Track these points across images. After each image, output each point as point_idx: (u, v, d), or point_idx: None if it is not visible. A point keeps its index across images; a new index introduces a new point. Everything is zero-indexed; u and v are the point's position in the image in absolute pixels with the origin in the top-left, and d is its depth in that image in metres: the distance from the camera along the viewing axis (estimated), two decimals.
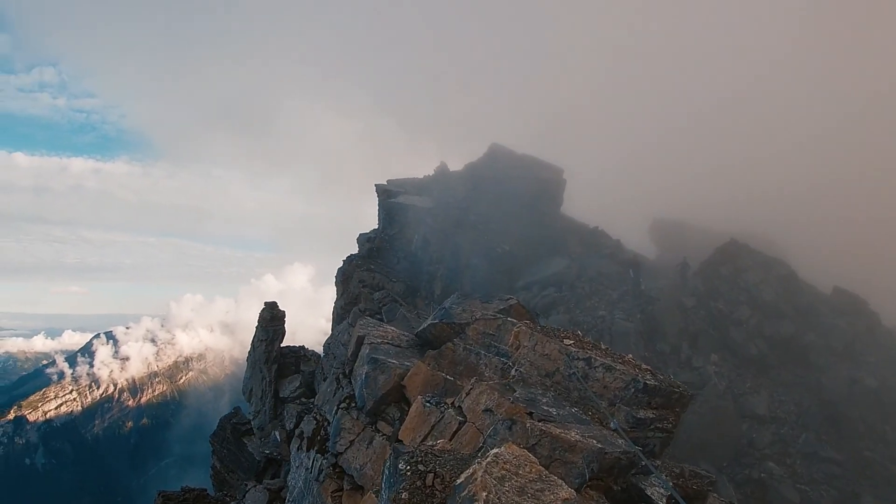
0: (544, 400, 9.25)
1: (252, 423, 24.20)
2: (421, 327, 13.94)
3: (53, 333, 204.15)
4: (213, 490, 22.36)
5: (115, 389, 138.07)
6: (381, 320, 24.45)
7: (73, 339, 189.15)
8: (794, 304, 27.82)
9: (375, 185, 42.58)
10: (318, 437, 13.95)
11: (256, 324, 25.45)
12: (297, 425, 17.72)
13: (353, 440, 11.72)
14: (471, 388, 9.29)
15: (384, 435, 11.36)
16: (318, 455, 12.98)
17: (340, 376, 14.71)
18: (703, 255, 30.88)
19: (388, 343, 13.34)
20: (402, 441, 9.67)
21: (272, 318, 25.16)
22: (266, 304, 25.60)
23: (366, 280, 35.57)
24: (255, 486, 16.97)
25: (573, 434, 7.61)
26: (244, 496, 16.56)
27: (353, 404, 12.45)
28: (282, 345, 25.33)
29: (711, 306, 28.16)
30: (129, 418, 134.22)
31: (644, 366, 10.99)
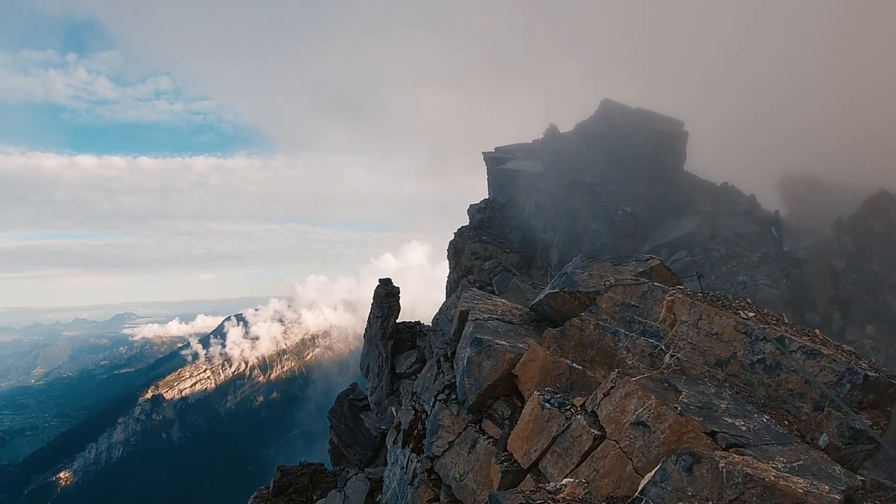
0: (723, 405, 6.64)
1: (369, 398, 23.75)
2: (537, 298, 11.37)
3: (187, 318, 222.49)
4: (330, 465, 22.23)
5: (246, 367, 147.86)
6: (493, 292, 22.76)
7: (206, 323, 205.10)
8: None
9: (483, 152, 41.17)
10: (416, 433, 11.58)
11: (372, 300, 25.10)
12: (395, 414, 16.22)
13: (453, 441, 9.67)
14: (611, 387, 6.97)
15: (490, 438, 9.18)
16: (414, 455, 10.93)
17: (442, 359, 12.06)
18: (843, 214, 27.52)
19: (496, 318, 10.89)
20: (510, 453, 7.88)
21: (387, 295, 24.76)
22: (381, 280, 25.30)
23: (478, 252, 34.59)
24: (356, 473, 15.92)
25: (792, 480, 5.02)
26: (345, 484, 15.60)
27: (454, 396, 10.22)
28: (398, 320, 24.91)
29: (865, 269, 24.86)
30: (260, 394, 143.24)
31: (848, 348, 7.82)
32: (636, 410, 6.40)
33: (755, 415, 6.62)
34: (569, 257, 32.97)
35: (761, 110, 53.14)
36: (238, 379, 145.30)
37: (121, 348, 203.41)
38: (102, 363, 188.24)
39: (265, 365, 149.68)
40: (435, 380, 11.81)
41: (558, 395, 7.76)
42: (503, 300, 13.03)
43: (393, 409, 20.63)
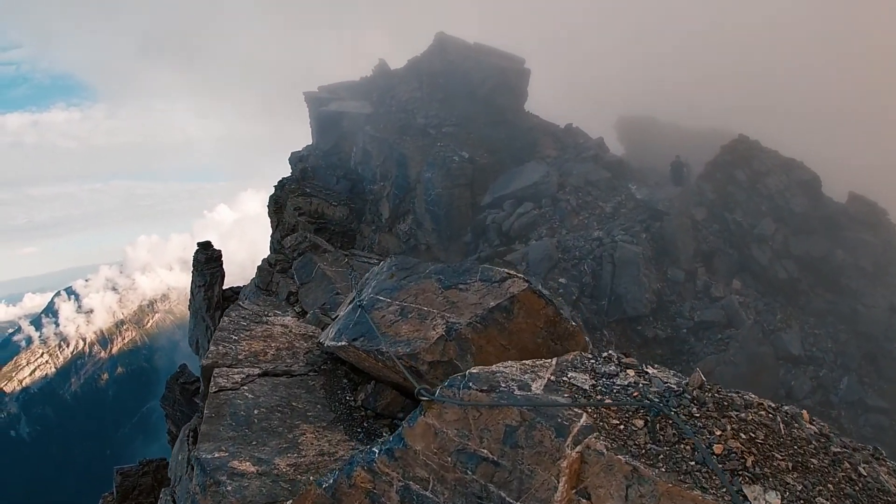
0: None
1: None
2: (326, 338, 8.11)
3: (14, 300, 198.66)
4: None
5: (84, 344, 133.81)
6: (293, 281, 17.82)
7: (35, 302, 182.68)
8: (820, 215, 22.92)
9: (304, 92, 35.82)
10: None
11: (192, 269, 21.78)
12: None
13: None
14: None
15: None
16: None
17: None
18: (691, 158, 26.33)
19: (261, 374, 7.67)
20: None
21: (207, 260, 21.11)
22: (199, 244, 21.68)
23: (301, 206, 30.05)
24: None
25: None
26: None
27: None
28: (223, 287, 21.35)
29: (727, 219, 22.88)
30: (104, 370, 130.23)
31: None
32: None
33: None
34: (402, 209, 28.66)
35: (597, 48, 51.84)
36: (78, 359, 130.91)
37: None
38: None
39: (104, 339, 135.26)
40: None
41: None
42: (284, 320, 10.07)
43: None
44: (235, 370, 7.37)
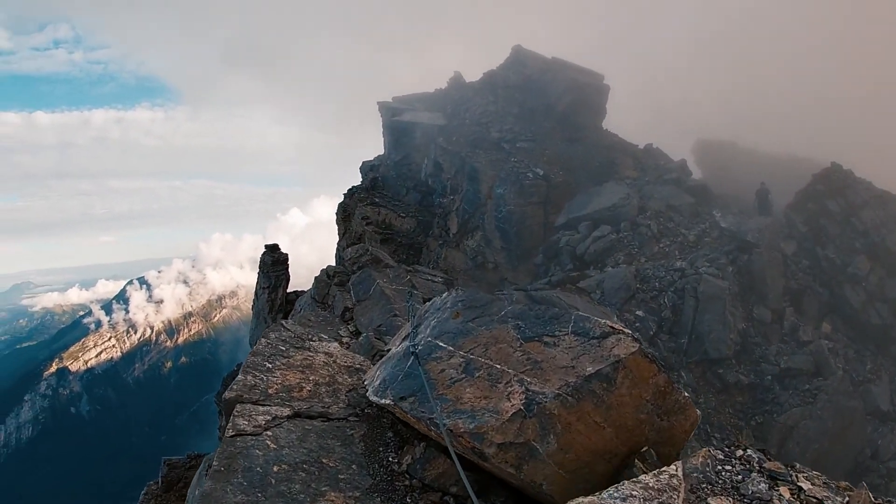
0: None
1: None
2: (373, 390, 6.42)
3: (87, 285, 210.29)
4: None
5: (152, 332, 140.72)
6: (350, 297, 16.71)
7: (108, 288, 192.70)
8: None
9: (378, 102, 35.57)
10: None
11: (258, 270, 22.88)
12: None
13: None
14: None
15: None
16: None
17: None
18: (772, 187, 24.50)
19: (287, 430, 6.06)
20: None
21: (274, 263, 22.13)
22: (266, 246, 22.94)
23: (370, 216, 29.99)
24: None
25: None
26: None
27: None
28: (287, 291, 22.37)
29: (819, 255, 21.13)
30: (168, 359, 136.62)
31: None
32: None
33: None
34: (470, 226, 27.98)
35: (676, 67, 50.14)
36: (144, 345, 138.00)
37: (21, 321, 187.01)
38: (2, 338, 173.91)
39: (172, 329, 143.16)
40: None
41: None
42: (329, 348, 8.27)
43: None
44: (261, 408, 6.15)
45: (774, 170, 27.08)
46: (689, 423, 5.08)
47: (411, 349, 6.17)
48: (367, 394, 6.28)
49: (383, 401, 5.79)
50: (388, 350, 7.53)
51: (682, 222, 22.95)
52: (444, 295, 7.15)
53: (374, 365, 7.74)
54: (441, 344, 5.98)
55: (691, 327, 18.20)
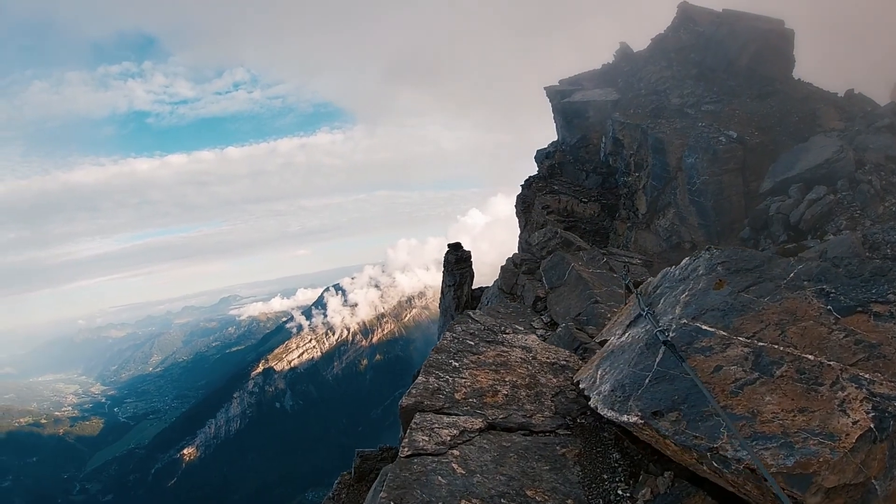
0: None
1: None
2: (603, 398, 4.71)
3: (288, 294, 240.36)
4: None
5: (348, 333, 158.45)
6: (540, 285, 14.90)
7: (307, 296, 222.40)
8: None
9: (545, 87, 35.06)
10: None
11: (443, 269, 23.93)
12: None
13: None
14: None
15: None
16: None
17: None
18: None
19: (482, 432, 4.96)
20: None
21: (458, 261, 23.22)
22: (449, 246, 24.07)
23: (550, 205, 29.55)
24: None
25: None
26: None
27: None
28: (472, 287, 23.37)
29: None
30: (364, 357, 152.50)
31: None
32: None
33: None
34: (661, 203, 26.96)
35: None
36: (342, 345, 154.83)
37: (230, 329, 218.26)
38: (214, 344, 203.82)
39: (366, 330, 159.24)
40: None
41: None
42: (526, 341, 7.08)
43: None
44: (446, 419, 4.87)
45: None
46: None
47: (660, 335, 4.45)
48: (594, 404, 4.69)
49: (625, 417, 4.10)
50: (604, 341, 6.08)
51: None
52: (690, 258, 5.37)
53: (582, 360, 6.56)
54: (705, 328, 4.29)
55: None
